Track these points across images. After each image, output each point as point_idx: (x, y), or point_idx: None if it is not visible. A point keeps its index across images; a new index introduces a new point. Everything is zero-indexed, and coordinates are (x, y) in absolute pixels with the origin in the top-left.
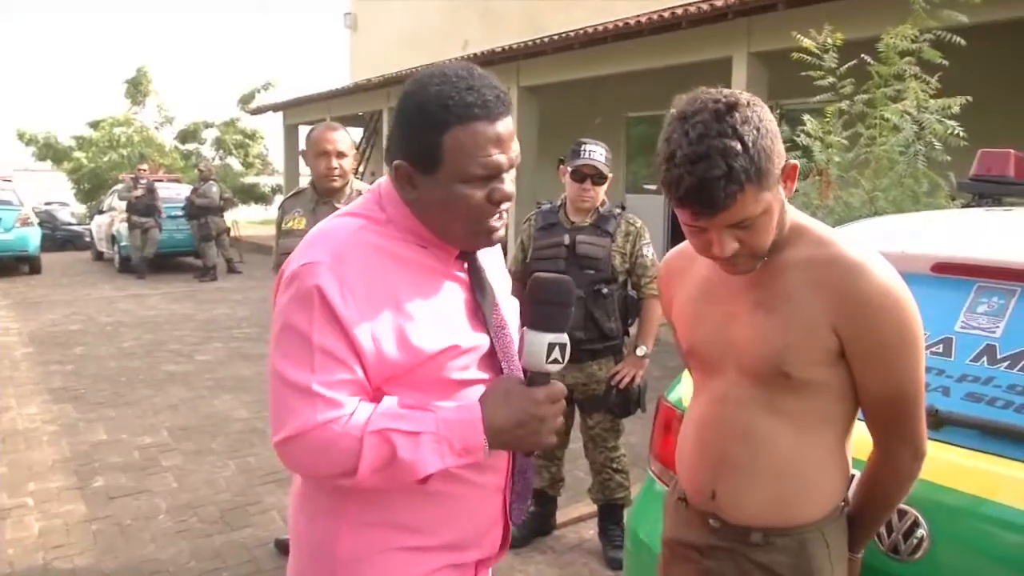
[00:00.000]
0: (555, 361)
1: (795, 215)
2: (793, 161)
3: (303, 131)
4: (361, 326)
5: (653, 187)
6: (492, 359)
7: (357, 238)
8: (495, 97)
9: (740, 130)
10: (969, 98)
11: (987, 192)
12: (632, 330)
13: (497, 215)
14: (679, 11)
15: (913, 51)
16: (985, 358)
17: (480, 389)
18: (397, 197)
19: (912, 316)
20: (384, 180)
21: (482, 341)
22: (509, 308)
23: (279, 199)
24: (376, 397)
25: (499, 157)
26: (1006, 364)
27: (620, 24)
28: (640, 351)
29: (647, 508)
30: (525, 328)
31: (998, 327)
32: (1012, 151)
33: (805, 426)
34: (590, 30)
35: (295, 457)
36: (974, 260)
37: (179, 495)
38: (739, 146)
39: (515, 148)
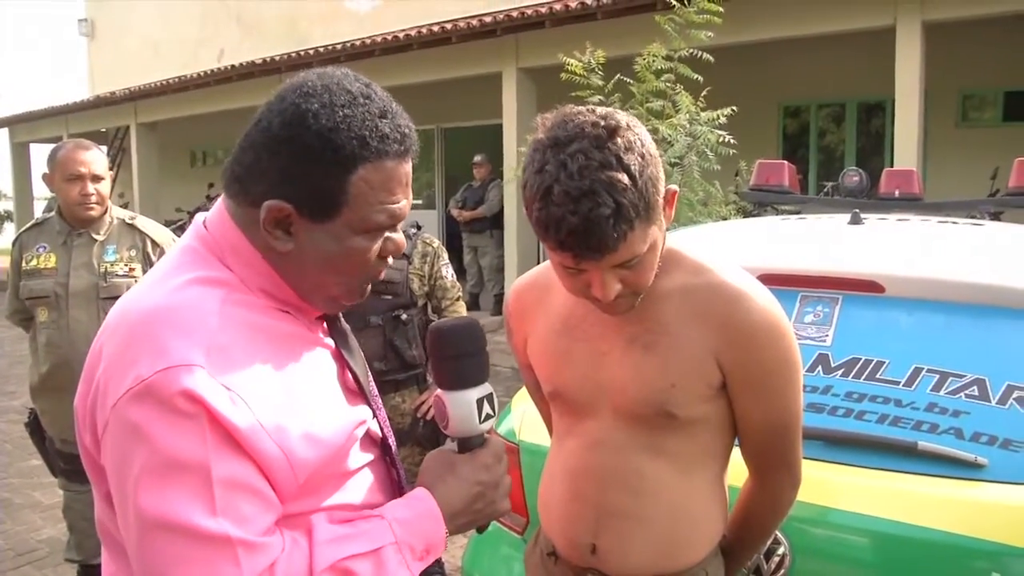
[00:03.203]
0: (488, 416)
1: (667, 239)
2: (673, 187)
3: (36, 150)
4: (263, 436)
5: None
6: (370, 435)
7: (228, 319)
8: (408, 128)
9: (625, 159)
10: (735, 108)
11: (765, 201)
12: None
13: (380, 272)
14: (448, 26)
15: (669, 69)
16: (820, 367)
17: (368, 473)
18: (248, 247)
19: (794, 343)
20: (212, 220)
21: (367, 415)
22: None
23: (10, 228)
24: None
25: (404, 203)
26: (840, 372)
27: (389, 37)
28: None
29: (482, 548)
30: (442, 392)
31: (827, 336)
32: (786, 162)
33: (689, 465)
34: (357, 43)
35: None
36: (797, 271)
37: None
38: (626, 179)
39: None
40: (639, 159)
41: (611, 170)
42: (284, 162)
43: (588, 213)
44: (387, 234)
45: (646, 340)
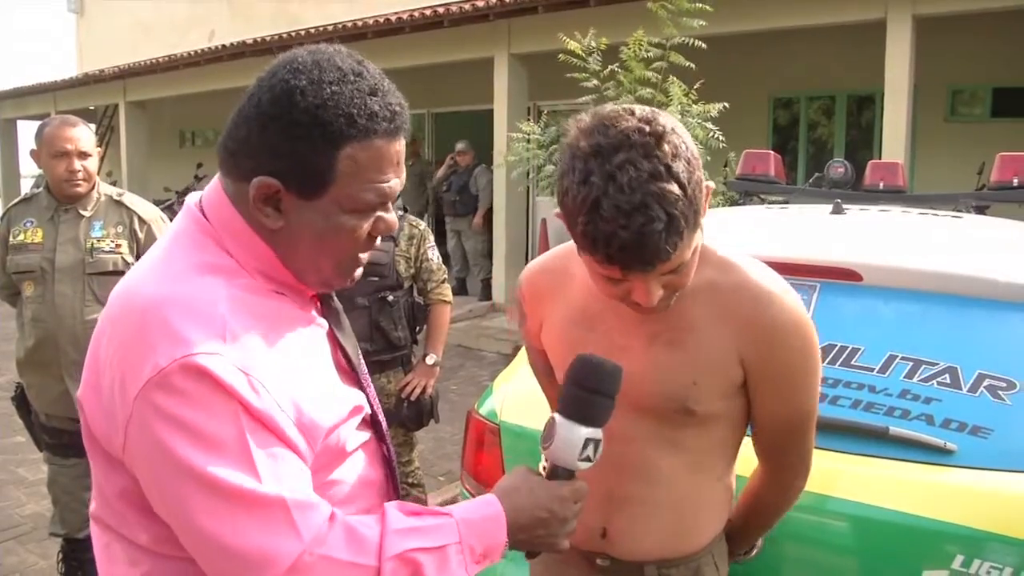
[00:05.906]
0: (587, 459)
1: None
2: (710, 183)
3: (24, 127)
4: (282, 417)
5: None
6: (365, 416)
7: (236, 305)
8: (399, 106)
9: (674, 167)
10: (726, 104)
11: (752, 190)
12: (420, 338)
13: (369, 251)
14: (441, 9)
15: (660, 57)
16: None
17: (362, 451)
18: (243, 226)
19: (816, 341)
20: (208, 201)
21: (361, 397)
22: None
23: None
24: None
25: (395, 182)
26: (823, 360)
27: (381, 20)
28: (430, 359)
29: None
30: (557, 415)
31: None
32: (772, 152)
33: (702, 457)
34: (349, 25)
35: None
36: (776, 258)
37: None
38: (677, 189)
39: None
40: (686, 165)
41: (662, 181)
42: (272, 138)
43: (641, 228)
44: (379, 213)
45: (669, 337)
